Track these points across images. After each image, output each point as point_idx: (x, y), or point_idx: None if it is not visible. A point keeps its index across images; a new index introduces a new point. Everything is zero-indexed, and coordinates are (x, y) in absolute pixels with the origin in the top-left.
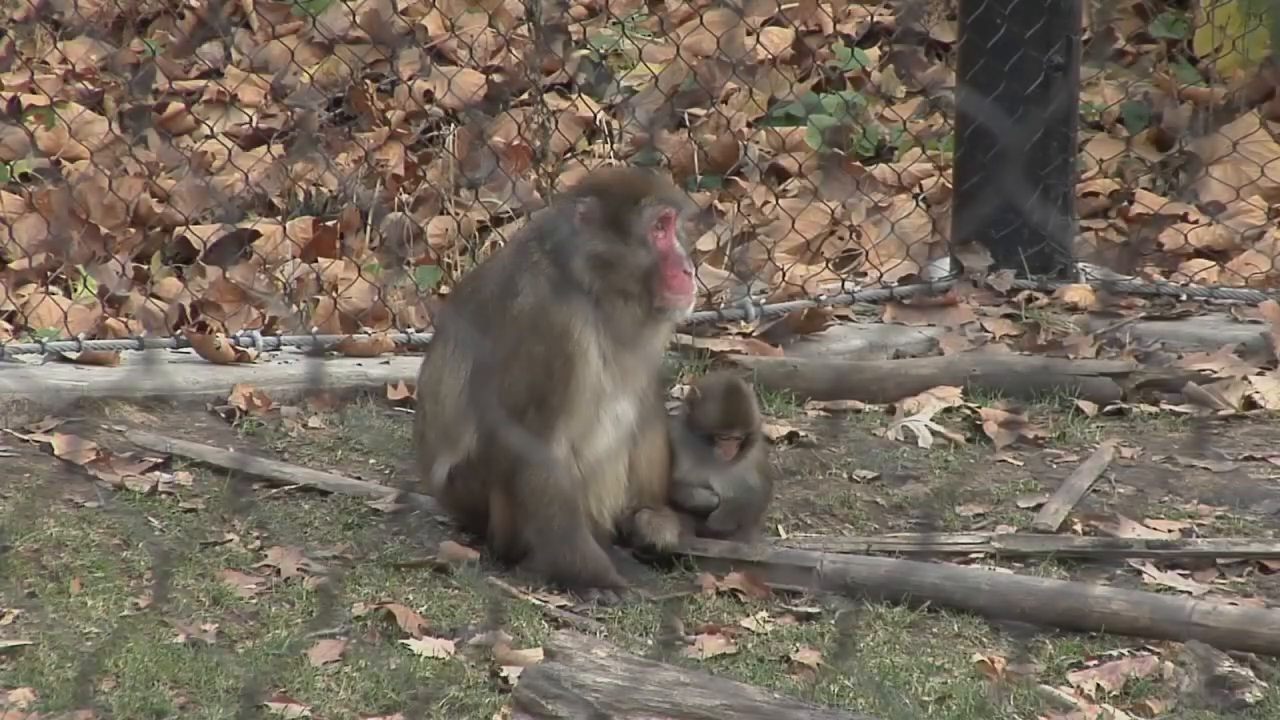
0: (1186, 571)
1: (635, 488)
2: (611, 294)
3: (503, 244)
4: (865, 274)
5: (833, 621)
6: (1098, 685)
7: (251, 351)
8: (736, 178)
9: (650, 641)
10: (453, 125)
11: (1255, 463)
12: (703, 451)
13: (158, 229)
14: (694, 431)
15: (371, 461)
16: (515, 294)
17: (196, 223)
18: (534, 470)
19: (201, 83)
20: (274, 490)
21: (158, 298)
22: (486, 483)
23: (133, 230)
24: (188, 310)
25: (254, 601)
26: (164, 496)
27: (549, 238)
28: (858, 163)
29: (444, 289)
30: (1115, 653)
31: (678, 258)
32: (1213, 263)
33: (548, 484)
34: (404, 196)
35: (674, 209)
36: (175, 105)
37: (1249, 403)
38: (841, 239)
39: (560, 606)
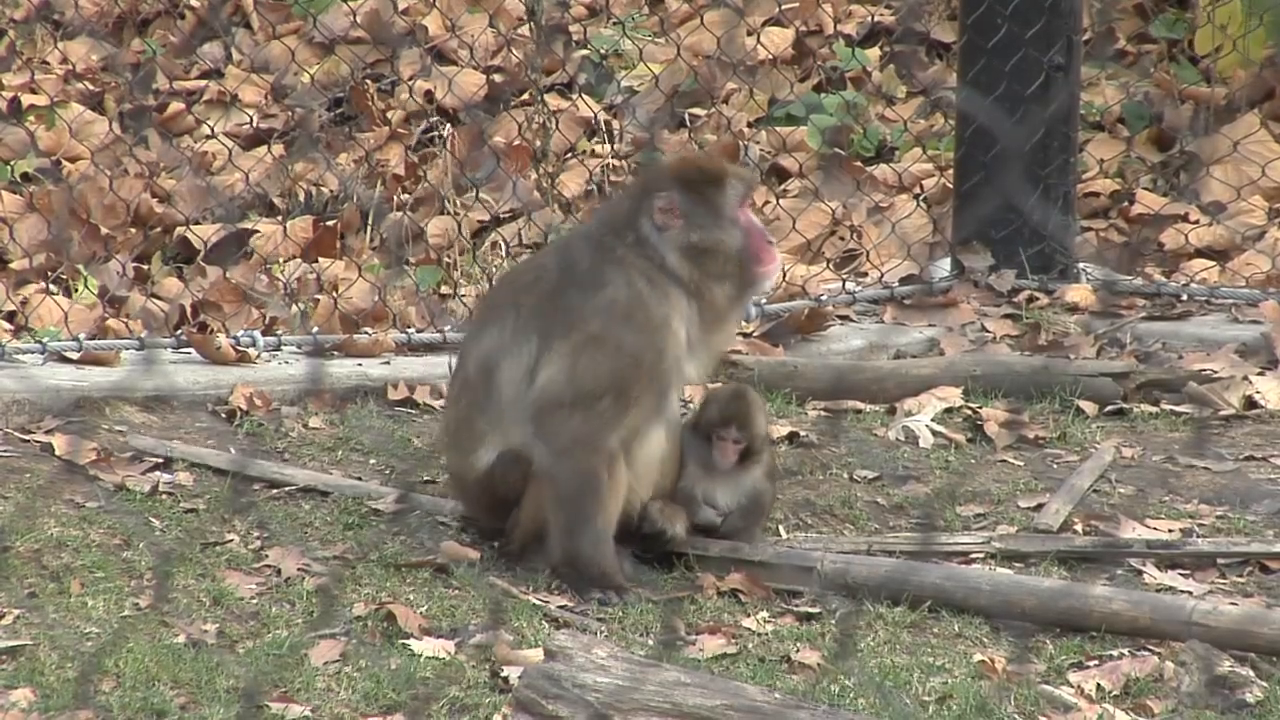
0: (1187, 571)
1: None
2: (709, 281)
3: (543, 240)
4: (866, 274)
5: (833, 621)
6: (1098, 685)
7: (252, 352)
8: None
9: (651, 641)
10: (452, 125)
11: (1256, 463)
12: (705, 457)
13: (158, 229)
14: (696, 434)
15: (372, 462)
16: (602, 285)
17: (197, 223)
18: (592, 457)
19: (202, 83)
20: (274, 490)
21: (158, 298)
22: (529, 473)
23: (133, 230)
24: (188, 310)
25: (254, 602)
26: (164, 497)
27: (629, 231)
28: (858, 163)
29: (444, 289)
30: (1116, 653)
31: (760, 230)
32: (1213, 263)
33: (599, 471)
34: (404, 196)
35: (749, 184)
36: (176, 105)
37: (1249, 403)
38: (842, 239)
39: (560, 607)
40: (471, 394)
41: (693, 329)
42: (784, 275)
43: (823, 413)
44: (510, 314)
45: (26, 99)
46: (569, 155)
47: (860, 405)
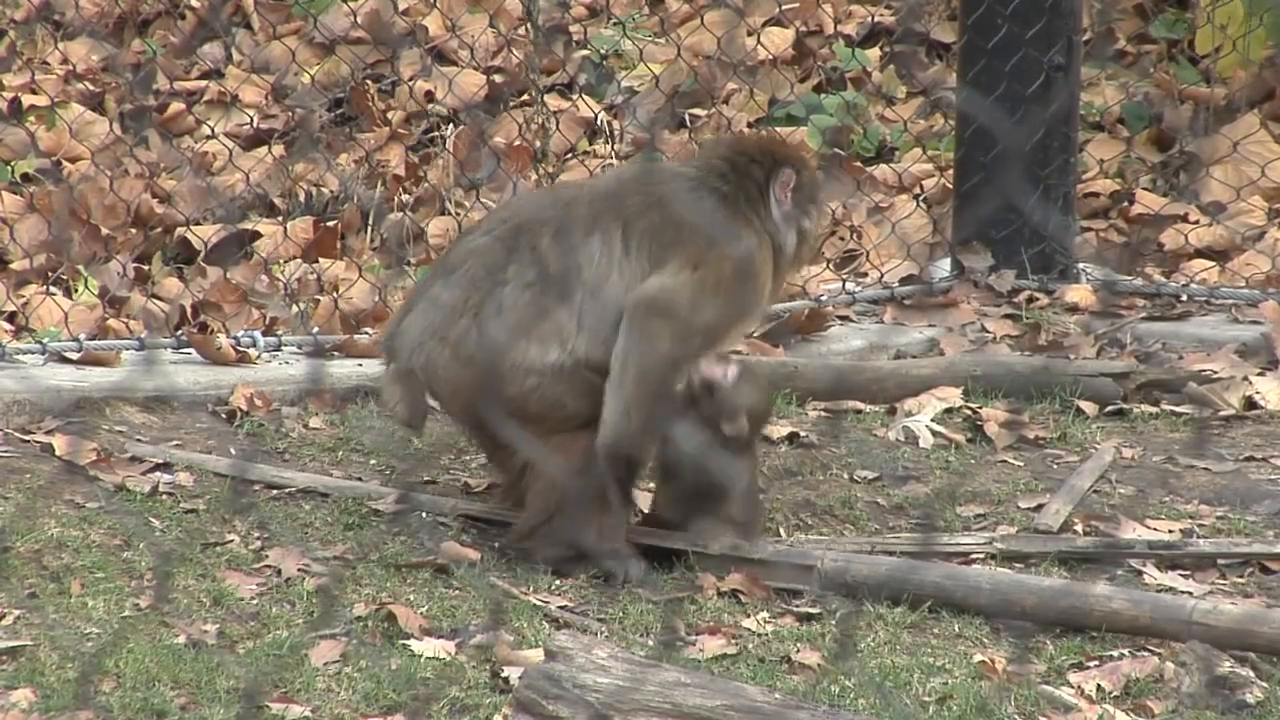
0: (1187, 572)
1: None
2: (794, 261)
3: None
4: (866, 274)
5: (833, 622)
6: (1098, 685)
7: (252, 352)
8: None
9: (651, 642)
10: (453, 125)
11: (1256, 463)
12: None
13: (158, 229)
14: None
15: (372, 462)
16: (735, 238)
17: (197, 223)
18: (674, 373)
19: (202, 83)
20: (274, 491)
21: (158, 298)
22: (569, 407)
23: (133, 231)
24: (188, 311)
25: (255, 602)
26: (165, 497)
27: (759, 198)
28: (858, 163)
29: None
30: (1116, 653)
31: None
32: (1213, 263)
33: (673, 387)
34: (404, 197)
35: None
36: (176, 106)
37: (1249, 403)
38: (842, 239)
39: (561, 607)
40: (553, 289)
41: (768, 301)
42: None
43: (823, 413)
44: (616, 229)
45: (27, 99)
46: (569, 155)
47: (860, 406)
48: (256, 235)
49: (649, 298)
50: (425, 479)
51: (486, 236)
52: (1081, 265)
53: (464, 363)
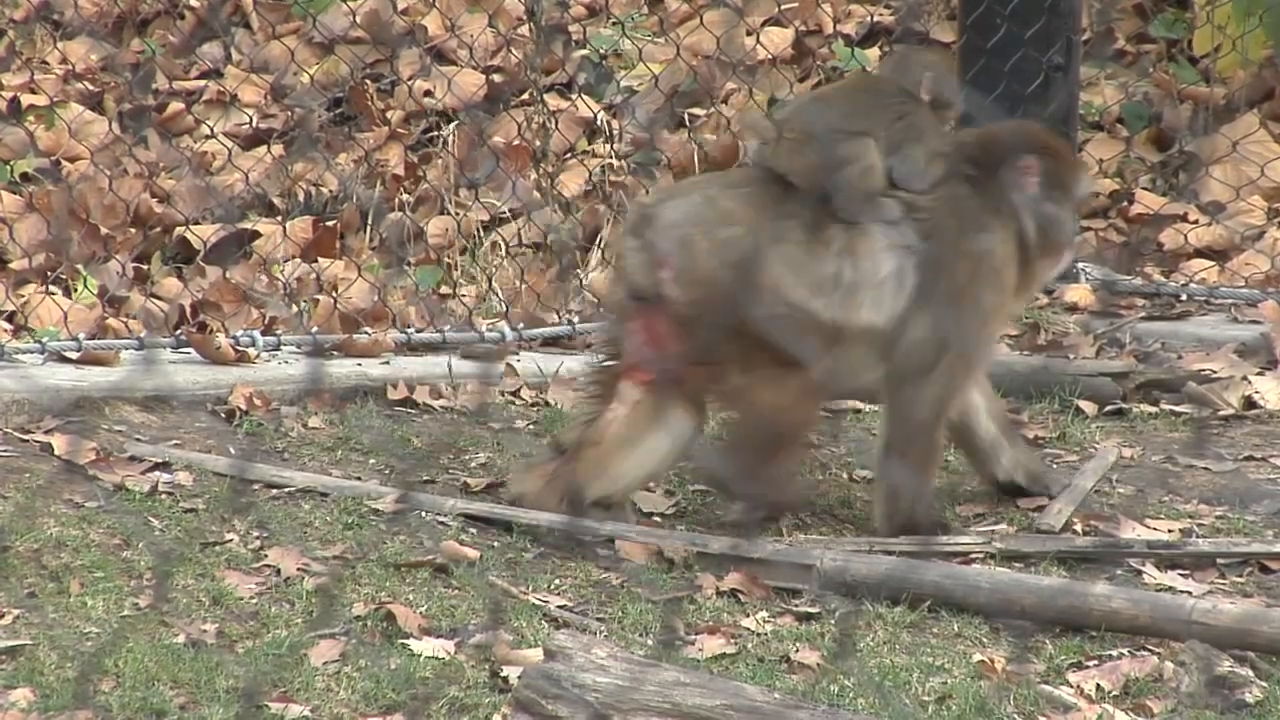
0: (1187, 571)
1: None
2: (1038, 252)
3: None
4: None
5: (833, 621)
6: (1098, 685)
7: (251, 352)
8: None
9: (650, 641)
10: (453, 125)
11: (1255, 463)
12: None
13: (158, 229)
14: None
15: (371, 462)
16: (984, 230)
17: (196, 223)
18: (938, 429)
19: (201, 83)
20: (274, 491)
21: (158, 298)
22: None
23: (133, 230)
24: (188, 310)
25: (254, 601)
26: (164, 496)
27: (993, 181)
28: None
29: (443, 289)
30: (1115, 652)
31: (1076, 228)
32: (1212, 263)
33: (940, 439)
34: (404, 196)
35: (1089, 186)
36: (175, 105)
37: (1249, 403)
38: None
39: (559, 606)
40: (831, 242)
41: (1011, 294)
42: None
43: (822, 413)
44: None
45: (26, 99)
46: (569, 155)
47: (860, 405)
48: (256, 235)
49: (900, 362)
50: (424, 478)
51: (770, 172)
52: (1081, 265)
53: (722, 264)
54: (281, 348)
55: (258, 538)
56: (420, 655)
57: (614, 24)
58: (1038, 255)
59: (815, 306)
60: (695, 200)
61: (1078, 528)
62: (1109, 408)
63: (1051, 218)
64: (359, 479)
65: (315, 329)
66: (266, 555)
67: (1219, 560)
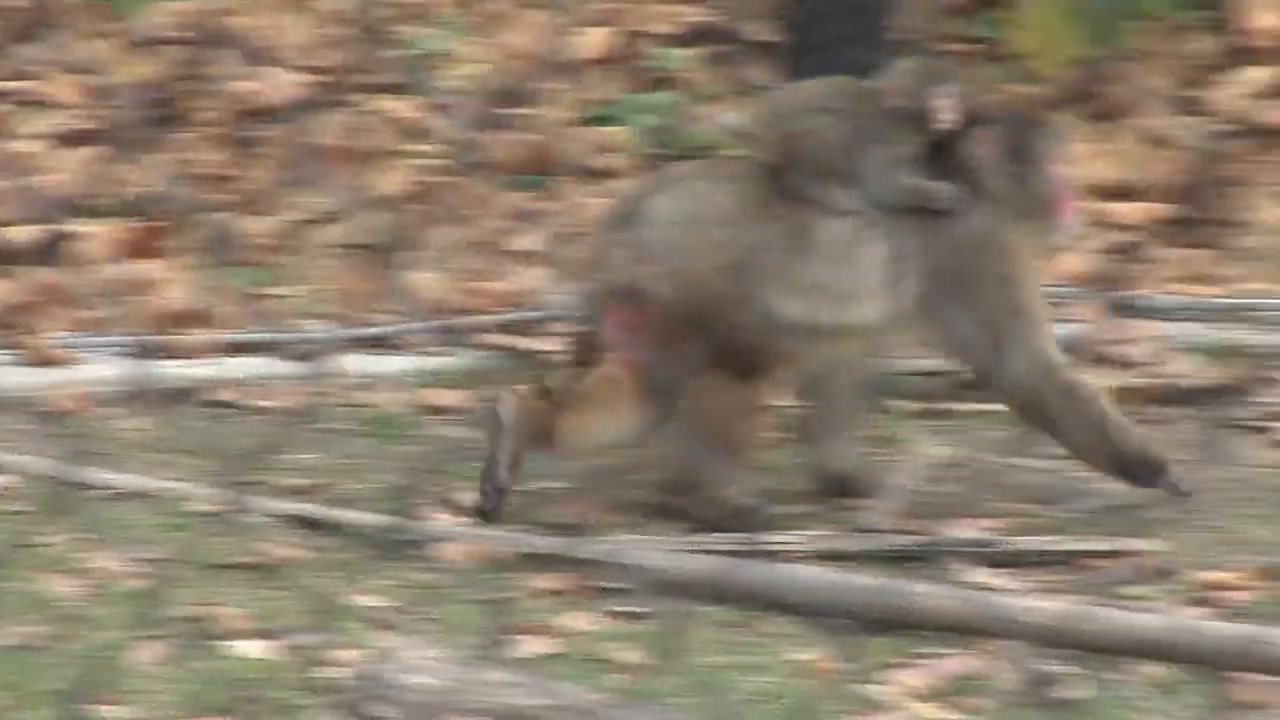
0: (1007, 570)
1: None
2: (1018, 216)
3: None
4: None
5: (656, 621)
6: (921, 684)
7: (72, 353)
8: (556, 178)
9: (474, 642)
10: (275, 125)
11: (1073, 461)
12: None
13: None
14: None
15: (194, 463)
16: (969, 213)
17: (13, 224)
18: (1062, 373)
19: (18, 83)
20: (97, 492)
21: None
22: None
23: None
24: (6, 312)
25: (76, 604)
26: None
27: (959, 165)
28: (680, 162)
29: (266, 289)
30: (937, 651)
31: (1064, 182)
32: None
33: (1079, 378)
34: (226, 197)
35: (1061, 139)
36: None
37: None
38: None
39: (384, 608)
40: (813, 246)
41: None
42: None
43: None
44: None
45: None
46: (389, 155)
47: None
48: (75, 236)
49: (979, 371)
50: (249, 479)
51: (754, 166)
52: None
53: (705, 264)
54: (103, 349)
55: (81, 540)
56: (243, 657)
57: (436, 24)
58: (1027, 216)
59: (793, 311)
60: (685, 195)
61: (899, 526)
62: (930, 406)
63: (1024, 180)
64: (182, 480)
65: (136, 330)
66: (90, 557)
67: (1039, 558)
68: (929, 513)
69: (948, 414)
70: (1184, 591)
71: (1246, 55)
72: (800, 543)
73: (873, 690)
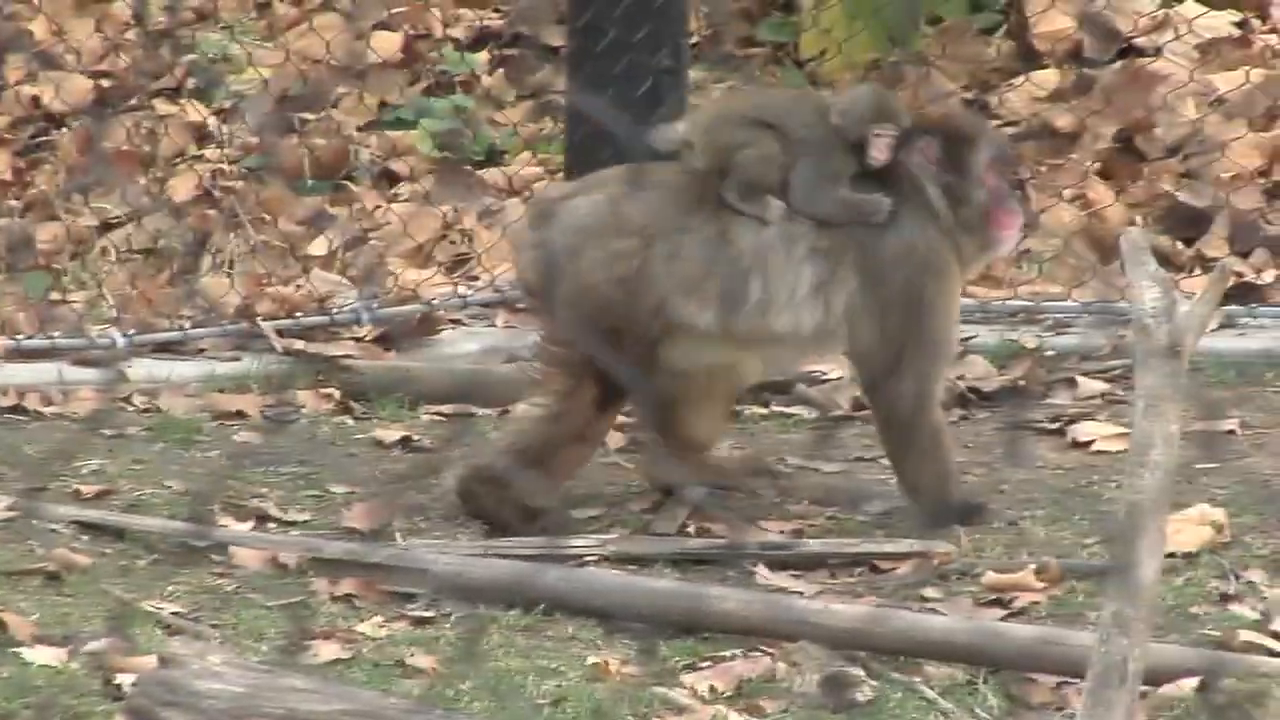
0: (799, 572)
1: None
2: (959, 228)
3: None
4: (478, 278)
5: (449, 625)
6: (711, 686)
7: None
8: (348, 182)
9: (266, 648)
10: (62, 130)
11: (865, 464)
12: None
13: None
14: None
15: None
16: (900, 222)
17: None
18: (934, 413)
19: None
20: None
21: None
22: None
23: None
24: None
25: None
26: None
27: (897, 174)
28: (469, 166)
29: (54, 295)
30: (730, 653)
31: (1004, 194)
32: None
33: (941, 420)
34: (12, 202)
35: (1001, 148)
36: None
37: (858, 404)
38: (454, 243)
39: (174, 613)
40: (727, 255)
41: (957, 269)
42: (395, 279)
43: (437, 417)
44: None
45: None
46: (178, 160)
47: (476, 409)
48: None
49: (868, 378)
50: (37, 485)
51: (683, 176)
52: None
53: (611, 278)
54: None
55: None
56: (33, 664)
57: (223, 28)
58: (965, 230)
59: (704, 321)
60: (596, 202)
61: (691, 529)
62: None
63: (964, 190)
64: None
65: None
66: None
67: (830, 561)
68: (726, 516)
69: (736, 416)
70: (974, 593)
71: (1035, 58)
72: (597, 546)
73: (665, 693)
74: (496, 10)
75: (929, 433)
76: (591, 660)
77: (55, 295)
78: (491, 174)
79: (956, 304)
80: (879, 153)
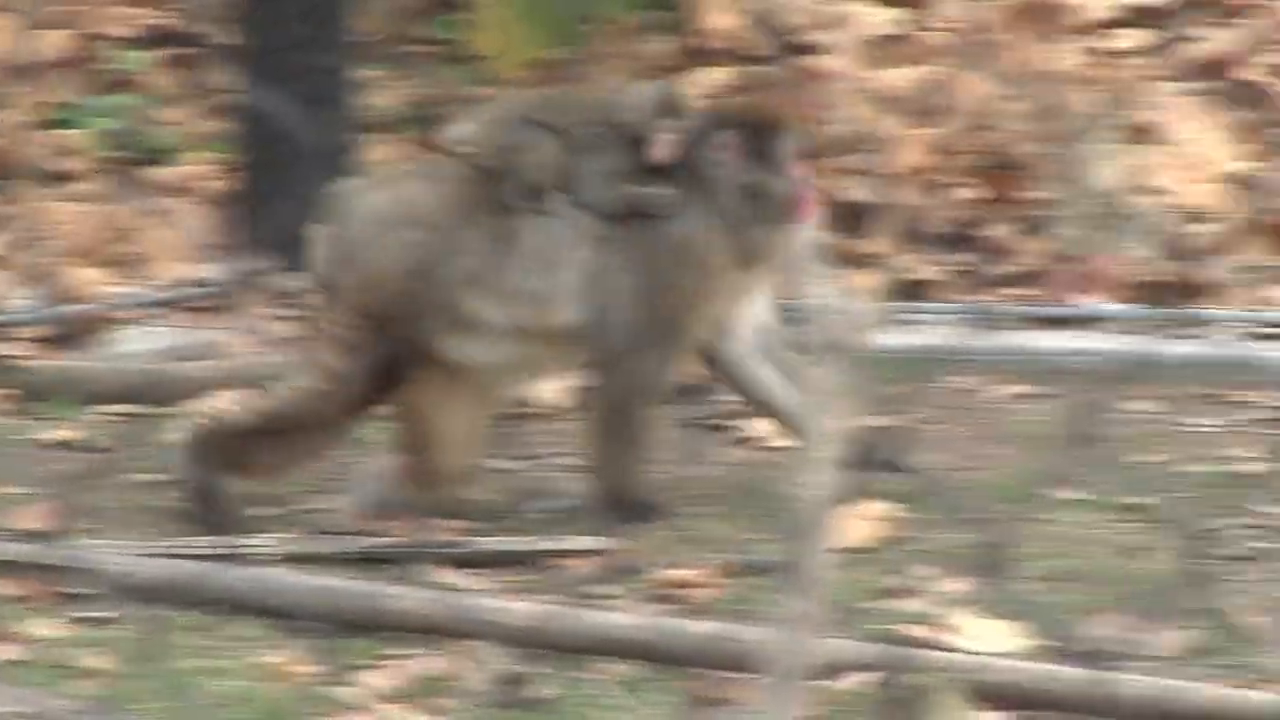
0: (478, 571)
1: None
2: (752, 222)
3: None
4: (151, 277)
5: (126, 626)
6: (390, 685)
7: None
8: (17, 181)
9: None
10: None
11: (541, 460)
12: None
13: None
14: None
15: None
16: (681, 217)
17: None
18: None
19: None
20: None
21: None
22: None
23: None
24: None
25: None
26: None
27: (685, 162)
28: (141, 166)
29: None
30: (408, 652)
31: (807, 184)
32: None
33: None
34: None
35: (806, 139)
36: None
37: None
38: (126, 242)
39: None
40: (506, 249)
41: (732, 271)
42: (66, 279)
43: (109, 417)
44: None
45: None
46: None
47: (148, 409)
48: None
49: (603, 354)
50: None
51: (468, 170)
52: None
53: (401, 268)
54: None
55: None
56: None
57: None
58: (756, 225)
59: (490, 314)
60: (388, 194)
61: (370, 528)
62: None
63: (760, 186)
64: None
65: None
66: None
67: (508, 559)
68: (400, 514)
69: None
70: (649, 590)
71: (704, 56)
72: (271, 546)
73: (342, 692)
74: (167, 9)
75: (640, 423)
76: (269, 660)
77: None
78: (164, 173)
79: (713, 305)
80: (660, 150)
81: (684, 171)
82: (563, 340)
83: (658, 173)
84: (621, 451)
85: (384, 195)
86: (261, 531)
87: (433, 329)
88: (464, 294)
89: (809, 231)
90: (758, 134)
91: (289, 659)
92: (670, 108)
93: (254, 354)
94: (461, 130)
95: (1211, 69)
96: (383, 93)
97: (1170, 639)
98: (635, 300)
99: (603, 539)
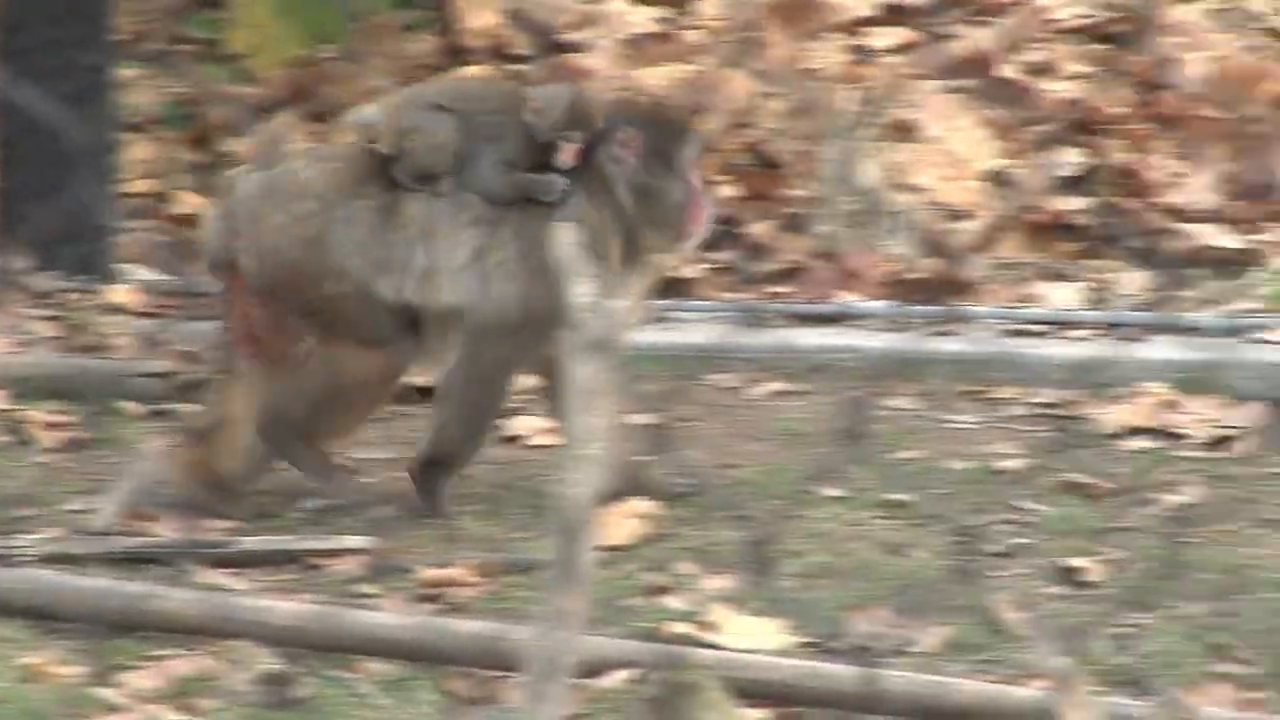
0: (240, 570)
1: None
2: (646, 224)
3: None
4: None
5: None
6: (153, 686)
7: None
8: None
9: None
10: None
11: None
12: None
13: None
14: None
15: None
16: (569, 209)
17: None
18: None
19: None
20: None
21: None
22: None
23: None
24: None
25: None
26: None
27: (582, 158)
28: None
29: None
30: (172, 653)
31: (700, 191)
32: None
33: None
34: None
35: (702, 147)
36: None
37: None
38: None
39: None
40: (397, 221)
41: (614, 267)
42: None
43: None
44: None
45: None
46: None
47: None
48: None
49: (476, 326)
50: None
51: (363, 150)
52: (125, 266)
53: (290, 239)
54: None
55: None
56: None
57: None
58: (645, 227)
59: (382, 288)
60: (276, 172)
61: (127, 528)
62: (154, 407)
63: (655, 189)
64: None
65: None
66: None
67: (269, 558)
68: (161, 514)
69: (172, 415)
70: (414, 589)
71: (464, 54)
72: (29, 546)
73: (104, 693)
74: None
75: (492, 401)
76: (30, 661)
77: None
78: None
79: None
80: (567, 157)
81: (581, 163)
82: (445, 323)
83: (552, 163)
84: (467, 424)
85: (273, 173)
86: (21, 532)
87: (326, 302)
88: (356, 266)
89: (697, 239)
90: (660, 136)
91: (50, 660)
92: (579, 118)
93: (10, 353)
94: (365, 113)
95: (970, 67)
96: (143, 91)
97: (933, 635)
98: (513, 281)
99: (368, 538)
